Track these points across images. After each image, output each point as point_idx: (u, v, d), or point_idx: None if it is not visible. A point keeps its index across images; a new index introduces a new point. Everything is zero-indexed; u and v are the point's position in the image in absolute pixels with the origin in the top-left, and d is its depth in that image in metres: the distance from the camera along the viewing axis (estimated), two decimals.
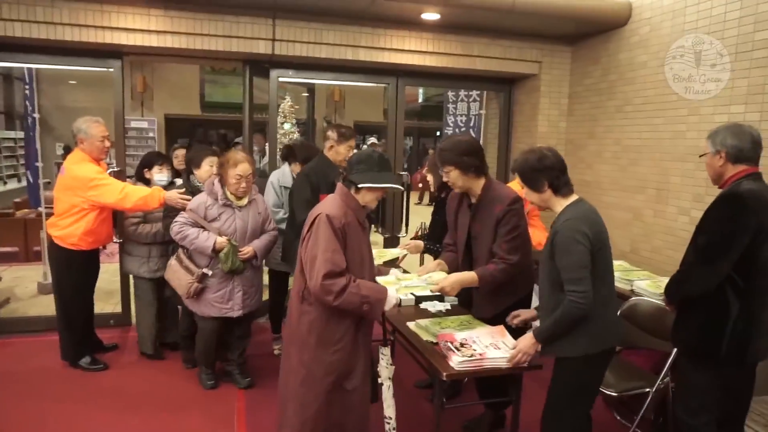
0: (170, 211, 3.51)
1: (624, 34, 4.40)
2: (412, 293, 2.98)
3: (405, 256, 3.62)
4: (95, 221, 3.61)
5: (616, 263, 2.84)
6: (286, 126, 7.54)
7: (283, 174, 4.11)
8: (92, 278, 3.86)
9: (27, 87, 6.56)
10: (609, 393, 2.78)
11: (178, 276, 3.35)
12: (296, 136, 7.73)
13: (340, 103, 13.14)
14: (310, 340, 2.32)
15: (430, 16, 4.32)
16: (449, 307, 2.93)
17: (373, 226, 5.11)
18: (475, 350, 2.33)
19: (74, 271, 3.67)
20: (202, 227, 3.30)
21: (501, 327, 2.56)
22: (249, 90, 4.75)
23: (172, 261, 3.43)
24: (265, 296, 4.24)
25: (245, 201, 3.40)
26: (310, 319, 2.32)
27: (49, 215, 3.93)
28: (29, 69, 6.18)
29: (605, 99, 4.61)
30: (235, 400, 3.45)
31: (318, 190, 3.36)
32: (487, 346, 2.37)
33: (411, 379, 3.62)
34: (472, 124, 6.62)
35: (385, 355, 2.53)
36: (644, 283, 3.40)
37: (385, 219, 5.18)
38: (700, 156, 2.47)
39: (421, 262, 4.08)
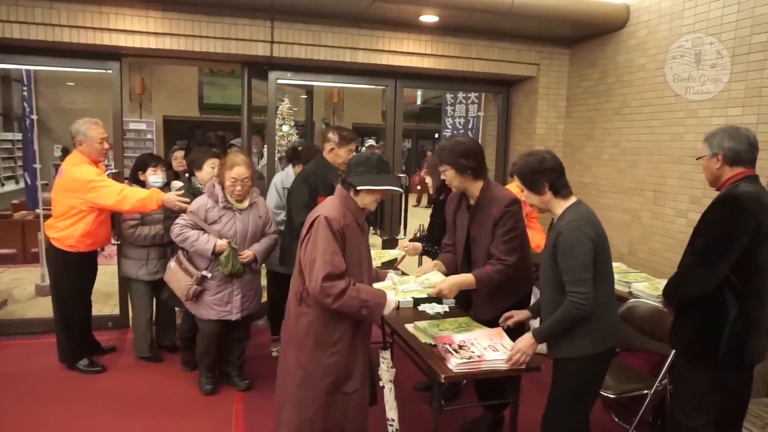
0: (171, 213, 3.50)
1: (622, 36, 4.41)
2: (411, 296, 2.98)
3: (404, 257, 3.62)
4: (93, 223, 3.60)
5: (614, 265, 2.85)
6: (285, 128, 7.54)
7: (287, 176, 4.10)
8: (90, 280, 3.85)
9: (25, 88, 6.57)
10: (607, 395, 2.79)
11: (177, 278, 3.35)
12: (295, 138, 7.73)
13: (339, 105, 13.15)
14: (307, 342, 2.32)
15: (429, 18, 4.33)
16: (447, 310, 2.93)
17: (371, 228, 5.12)
18: (473, 352, 2.33)
19: (72, 273, 3.66)
20: (203, 230, 3.29)
21: (499, 329, 2.56)
22: (247, 92, 4.75)
23: (172, 263, 3.43)
24: (264, 298, 4.24)
25: (246, 204, 3.38)
26: (308, 320, 2.32)
27: (47, 217, 3.93)
28: (27, 71, 6.18)
29: (603, 101, 4.62)
30: (233, 402, 3.44)
31: (316, 192, 3.34)
32: (486, 348, 2.38)
33: (409, 382, 3.62)
34: (470, 126, 6.63)
35: (385, 359, 2.53)
36: (642, 285, 3.41)
37: (384, 221, 5.18)
38: (697, 158, 2.48)
39: (420, 264, 4.09)
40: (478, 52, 4.80)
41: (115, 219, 3.90)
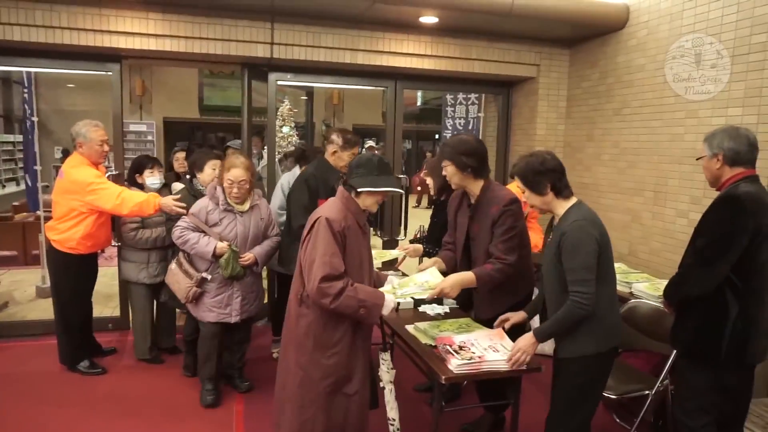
0: (173, 215, 3.50)
1: (621, 37, 4.42)
2: (411, 297, 2.97)
3: (404, 257, 3.61)
4: (94, 225, 3.60)
5: (614, 265, 2.85)
6: (285, 129, 7.55)
7: (294, 177, 4.08)
8: (91, 282, 3.85)
9: (26, 90, 6.58)
10: (608, 395, 2.78)
11: (178, 280, 3.34)
12: (295, 139, 7.74)
13: (339, 107, 13.17)
14: (307, 343, 2.32)
15: (428, 19, 4.34)
16: (448, 310, 2.93)
17: (371, 229, 5.11)
18: (473, 353, 2.33)
19: (72, 275, 3.66)
20: (203, 232, 3.28)
21: (500, 329, 2.56)
22: (247, 93, 4.76)
23: (173, 265, 3.42)
24: (265, 299, 4.24)
25: (247, 206, 3.36)
26: (307, 321, 2.32)
27: (47, 219, 3.93)
28: (28, 73, 6.20)
29: (603, 102, 4.62)
30: (234, 403, 3.44)
31: (316, 195, 3.32)
32: (486, 349, 2.38)
33: (410, 383, 3.62)
34: (470, 127, 6.63)
35: (385, 360, 2.53)
36: (643, 286, 3.41)
37: (384, 222, 5.18)
38: (697, 159, 2.48)
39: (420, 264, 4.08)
40: (478, 53, 4.81)
41: (115, 221, 3.90)
